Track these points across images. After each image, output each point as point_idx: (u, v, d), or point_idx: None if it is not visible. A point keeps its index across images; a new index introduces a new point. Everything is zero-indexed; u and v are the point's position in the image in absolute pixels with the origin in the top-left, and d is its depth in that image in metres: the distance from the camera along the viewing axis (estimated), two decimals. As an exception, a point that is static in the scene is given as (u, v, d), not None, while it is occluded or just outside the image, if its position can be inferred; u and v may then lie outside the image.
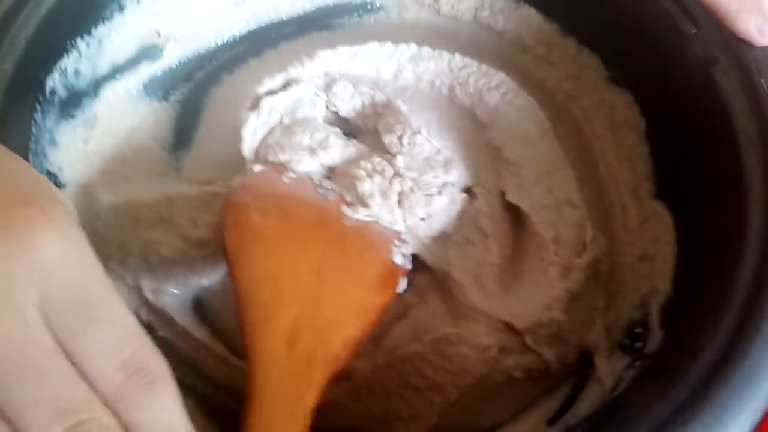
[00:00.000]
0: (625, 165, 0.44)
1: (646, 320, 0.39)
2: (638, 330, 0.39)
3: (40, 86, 0.38)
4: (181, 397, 0.25)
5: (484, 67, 0.44)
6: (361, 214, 0.36)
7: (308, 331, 0.30)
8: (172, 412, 0.24)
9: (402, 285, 0.35)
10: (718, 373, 0.30)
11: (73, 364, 0.23)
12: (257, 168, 0.37)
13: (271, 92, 0.41)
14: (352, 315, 0.32)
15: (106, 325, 0.24)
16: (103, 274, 0.25)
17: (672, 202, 0.41)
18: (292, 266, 0.32)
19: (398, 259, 0.35)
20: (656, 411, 0.30)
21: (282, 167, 0.38)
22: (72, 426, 0.22)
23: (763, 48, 0.38)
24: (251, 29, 0.48)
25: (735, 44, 0.38)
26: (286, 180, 0.37)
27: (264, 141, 0.39)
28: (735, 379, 0.30)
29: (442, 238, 0.39)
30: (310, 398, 0.28)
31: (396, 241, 0.36)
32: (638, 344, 0.38)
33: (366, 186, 0.37)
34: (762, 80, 0.37)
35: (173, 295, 0.39)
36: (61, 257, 0.24)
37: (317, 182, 0.37)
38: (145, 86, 0.45)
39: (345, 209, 0.36)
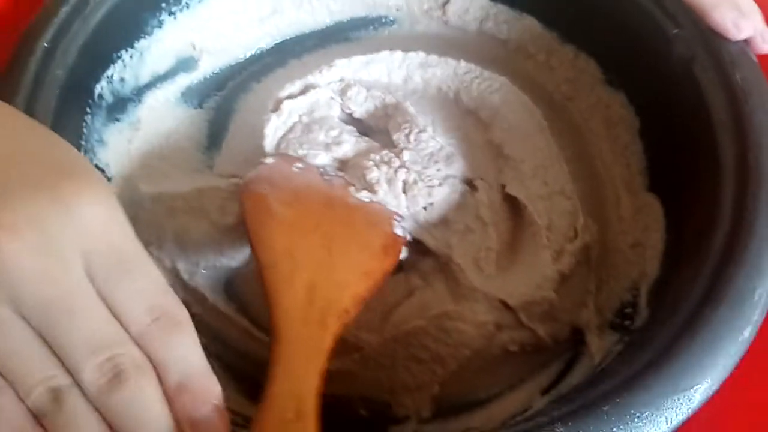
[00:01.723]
0: (620, 161, 0.47)
1: (636, 301, 0.41)
2: (628, 310, 0.41)
3: (90, 92, 0.42)
4: (200, 341, 0.28)
5: (486, 72, 0.48)
6: (364, 196, 0.40)
7: (322, 291, 0.33)
8: (193, 351, 0.27)
9: (403, 253, 0.39)
10: (681, 337, 0.33)
11: (109, 309, 0.27)
12: (269, 160, 0.41)
13: (291, 96, 0.45)
14: (359, 276, 0.35)
15: (138, 277, 0.28)
16: (135, 236, 0.29)
17: (662, 193, 0.43)
18: (306, 242, 0.36)
19: (399, 231, 0.40)
20: (626, 370, 0.33)
21: (291, 158, 0.42)
22: (108, 358, 0.26)
23: (738, 43, 0.41)
24: (277, 42, 0.52)
25: (712, 41, 0.41)
26: (295, 169, 0.41)
27: (285, 137, 0.44)
28: (697, 341, 0.32)
29: (444, 225, 0.42)
30: (327, 341, 0.32)
31: (396, 217, 0.40)
32: (627, 323, 0.41)
33: (374, 174, 0.41)
34: (737, 74, 0.40)
35: (205, 275, 0.43)
36: (101, 222, 0.28)
37: (322, 170, 0.42)
38: (183, 94, 0.49)
39: (351, 190, 0.40)
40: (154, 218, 0.43)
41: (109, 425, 0.26)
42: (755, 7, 0.41)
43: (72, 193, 0.27)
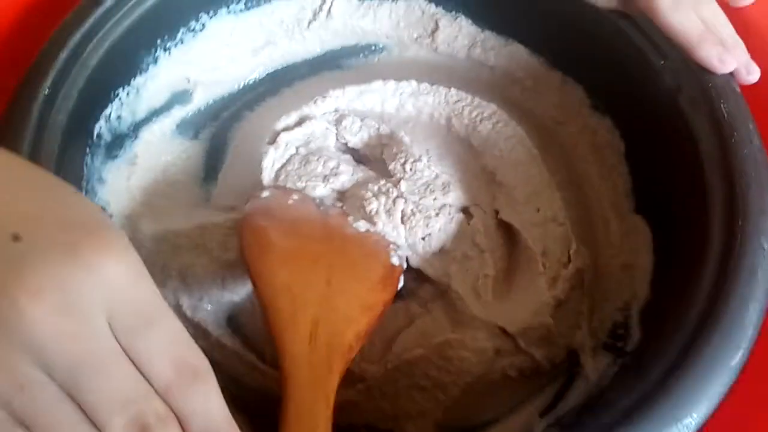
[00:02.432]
0: (607, 183, 0.48)
1: (627, 322, 0.42)
2: (620, 331, 0.43)
3: (89, 133, 0.43)
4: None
5: (477, 100, 0.49)
6: (361, 226, 0.41)
7: (325, 328, 0.34)
8: (216, 402, 0.28)
9: (400, 282, 0.40)
10: (679, 366, 0.34)
11: (133, 362, 0.27)
12: (265, 194, 0.42)
13: (287, 128, 0.46)
14: (360, 311, 0.36)
15: (160, 330, 0.28)
16: (155, 288, 0.29)
17: (650, 215, 0.45)
18: (305, 275, 0.36)
19: (395, 260, 0.40)
20: (624, 400, 0.34)
21: (287, 190, 0.43)
22: (134, 414, 0.26)
23: (724, 75, 0.42)
24: (269, 72, 0.52)
25: (698, 73, 0.43)
26: (290, 201, 0.42)
27: (283, 169, 0.44)
28: (694, 370, 0.34)
29: (442, 254, 0.43)
30: (332, 382, 0.33)
31: (392, 246, 0.41)
32: (620, 344, 0.42)
33: (373, 205, 0.42)
34: (722, 105, 0.41)
35: (208, 311, 0.43)
36: (123, 278, 0.28)
37: (318, 201, 0.43)
38: (178, 126, 0.49)
39: (348, 220, 0.41)
40: (156, 256, 0.43)
41: None
42: (739, 41, 0.43)
43: (93, 252, 0.28)
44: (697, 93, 0.42)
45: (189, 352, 0.28)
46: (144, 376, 0.28)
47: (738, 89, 0.42)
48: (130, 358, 0.28)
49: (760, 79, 0.43)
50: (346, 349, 0.34)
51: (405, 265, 0.42)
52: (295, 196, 0.43)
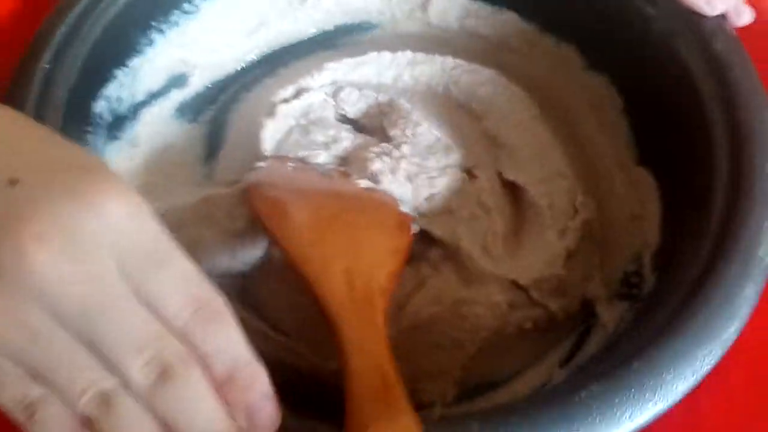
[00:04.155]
0: (608, 140, 0.48)
1: (640, 270, 0.42)
2: (634, 279, 0.42)
3: (90, 111, 0.43)
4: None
5: (474, 66, 0.49)
6: (364, 184, 0.42)
7: (359, 274, 0.34)
8: (236, 340, 0.27)
9: (415, 228, 0.41)
10: (689, 303, 0.34)
11: (147, 304, 0.26)
12: (261, 164, 0.42)
13: (285, 100, 0.46)
14: (386, 256, 0.37)
15: (171, 269, 0.27)
16: (163, 228, 0.28)
17: (653, 165, 0.45)
18: (328, 233, 0.37)
19: (405, 208, 0.41)
20: (639, 335, 0.34)
21: (283, 158, 0.43)
22: (152, 355, 0.25)
23: (715, 18, 0.43)
24: (265, 54, 0.53)
25: (689, 18, 0.43)
26: (290, 168, 0.42)
27: (283, 141, 0.44)
28: (703, 308, 0.33)
29: (449, 215, 0.43)
30: (379, 317, 0.33)
31: (396, 199, 0.42)
32: (635, 291, 0.42)
33: (377, 165, 0.42)
34: (717, 45, 0.42)
35: (219, 284, 0.43)
36: (128, 218, 0.27)
37: (316, 166, 0.43)
38: (177, 110, 0.50)
39: (350, 180, 0.42)
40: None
41: (164, 424, 0.26)
42: (726, -16, 0.43)
43: (97, 191, 0.26)
44: (690, 35, 0.43)
45: (203, 290, 0.27)
46: (160, 319, 0.27)
47: (730, 30, 0.42)
48: (143, 301, 0.27)
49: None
50: (382, 290, 0.35)
51: (413, 214, 0.42)
52: (292, 164, 0.43)
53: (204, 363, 0.26)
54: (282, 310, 0.42)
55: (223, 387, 0.26)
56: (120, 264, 0.26)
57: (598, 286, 0.43)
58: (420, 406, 0.40)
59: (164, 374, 0.25)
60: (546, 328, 0.42)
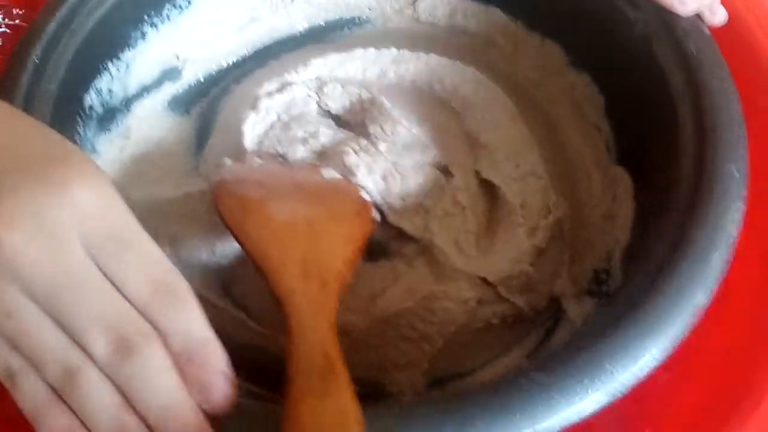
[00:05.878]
0: (588, 140, 0.49)
1: (610, 268, 0.43)
2: (603, 276, 0.43)
3: (81, 104, 0.44)
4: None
5: (457, 64, 0.50)
6: (327, 174, 0.43)
7: (315, 263, 0.36)
8: (194, 319, 0.28)
9: (376, 215, 0.43)
10: (647, 295, 0.34)
11: (113, 285, 0.28)
12: (228, 163, 0.43)
13: (269, 94, 0.47)
14: (343, 244, 0.38)
15: (137, 253, 0.29)
16: (132, 216, 0.30)
17: (629, 164, 0.45)
18: (287, 225, 0.38)
19: (365, 195, 0.43)
20: (600, 325, 0.35)
21: (248, 156, 0.45)
22: (116, 332, 0.27)
23: (691, 18, 0.43)
24: (257, 49, 0.54)
25: (667, 18, 0.43)
26: (255, 165, 0.44)
27: (266, 136, 0.46)
28: (659, 299, 0.34)
29: (423, 212, 0.44)
30: (330, 298, 0.34)
31: (358, 187, 0.43)
32: (603, 288, 0.43)
33: (352, 159, 0.43)
34: (690, 45, 0.42)
35: (200, 276, 0.44)
36: (96, 203, 0.28)
37: (281, 161, 0.45)
38: (169, 103, 0.51)
39: (313, 171, 0.43)
40: (147, 224, 0.44)
41: (124, 396, 0.27)
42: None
43: (65, 178, 0.28)
44: (665, 35, 0.43)
45: (166, 273, 0.29)
46: (124, 298, 0.28)
47: (705, 30, 0.43)
48: (110, 281, 0.28)
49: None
50: (336, 274, 0.36)
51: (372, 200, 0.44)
52: (259, 160, 0.45)
53: (164, 341, 0.28)
54: (261, 302, 0.44)
55: (181, 364, 0.28)
56: (87, 246, 0.28)
57: (566, 283, 0.44)
58: (389, 396, 0.42)
59: (126, 349, 0.27)
60: (513, 323, 0.43)
